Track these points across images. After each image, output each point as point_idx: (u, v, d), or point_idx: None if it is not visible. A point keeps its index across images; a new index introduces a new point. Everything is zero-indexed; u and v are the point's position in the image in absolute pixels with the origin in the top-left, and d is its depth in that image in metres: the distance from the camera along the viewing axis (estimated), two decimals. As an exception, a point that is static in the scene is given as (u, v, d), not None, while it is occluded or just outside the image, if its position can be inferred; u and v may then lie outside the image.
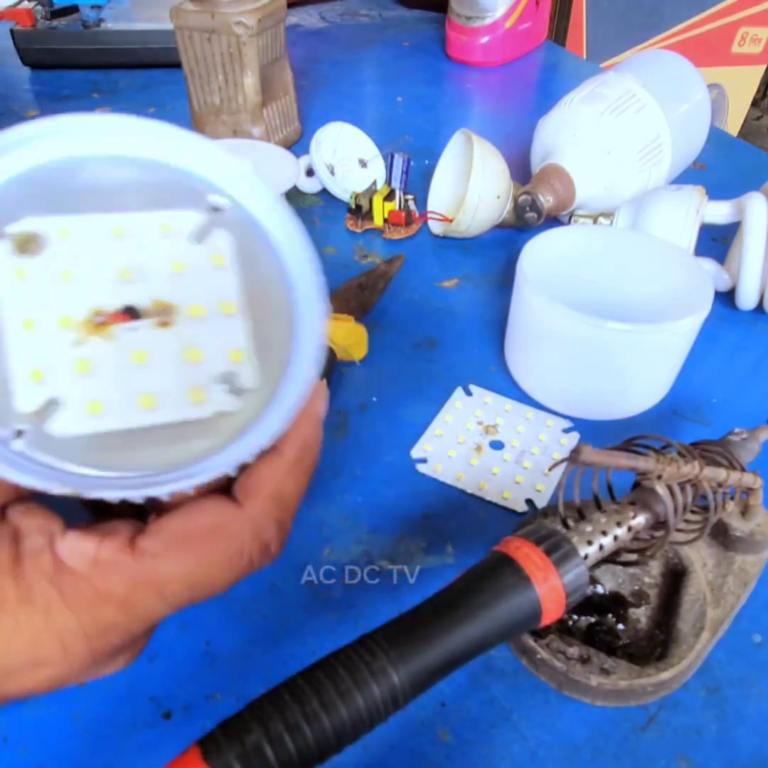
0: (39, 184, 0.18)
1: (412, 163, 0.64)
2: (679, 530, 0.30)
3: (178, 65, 0.71)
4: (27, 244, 0.18)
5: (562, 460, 0.29)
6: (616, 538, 0.27)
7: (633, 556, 0.30)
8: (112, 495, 0.18)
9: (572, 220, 0.60)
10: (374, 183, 0.66)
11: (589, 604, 0.34)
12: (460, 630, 0.23)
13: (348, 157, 0.70)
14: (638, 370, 0.44)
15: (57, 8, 0.95)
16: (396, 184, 0.64)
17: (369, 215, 0.65)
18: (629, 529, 0.28)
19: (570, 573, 0.25)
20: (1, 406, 0.17)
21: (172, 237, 0.19)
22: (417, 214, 0.65)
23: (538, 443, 0.44)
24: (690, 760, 0.30)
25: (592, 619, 0.34)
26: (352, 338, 0.48)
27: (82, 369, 0.18)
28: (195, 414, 0.19)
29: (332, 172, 0.68)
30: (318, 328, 0.19)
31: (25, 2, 0.96)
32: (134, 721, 0.31)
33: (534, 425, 0.46)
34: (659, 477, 0.28)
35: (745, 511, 0.36)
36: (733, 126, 1.80)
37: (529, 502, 0.41)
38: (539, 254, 0.46)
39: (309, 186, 0.70)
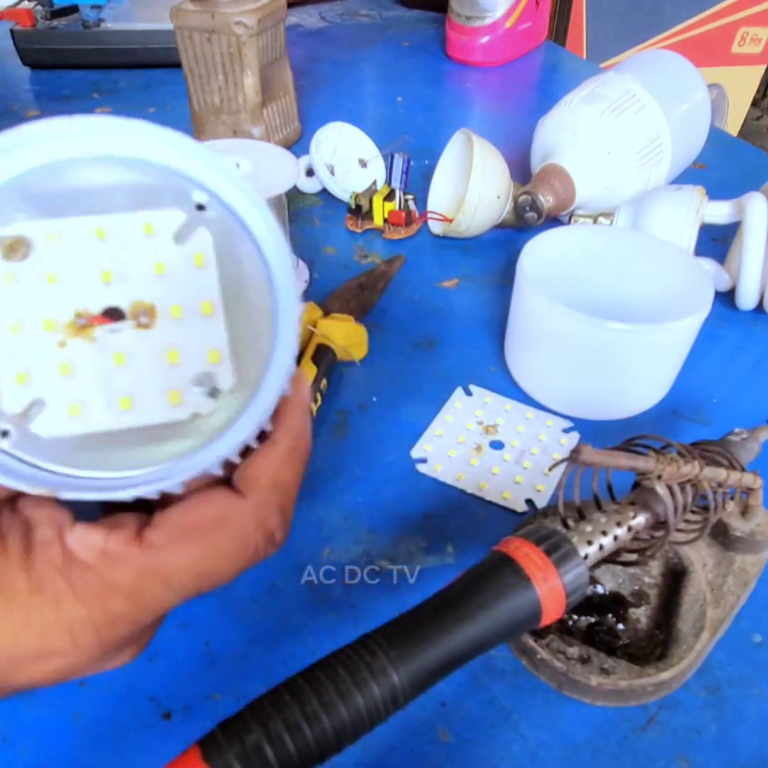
0: (27, 188, 0.18)
1: (412, 163, 0.64)
2: (679, 530, 0.30)
3: (178, 65, 0.71)
4: (16, 249, 0.18)
5: (562, 460, 0.29)
6: (616, 538, 0.27)
7: (633, 556, 0.30)
8: (91, 496, 0.18)
9: (572, 220, 0.60)
10: (374, 183, 0.66)
11: (589, 604, 0.34)
12: (460, 630, 0.23)
13: (348, 157, 0.70)
14: (638, 370, 0.44)
15: (57, 8, 0.95)
16: (396, 184, 0.64)
17: (369, 215, 0.65)
18: (629, 529, 0.28)
19: (570, 573, 0.25)
20: None
21: (155, 237, 0.19)
22: (417, 214, 0.65)
23: (538, 443, 0.44)
24: (690, 760, 0.30)
25: (592, 619, 0.34)
26: (351, 338, 0.48)
27: (64, 371, 0.18)
28: (172, 416, 0.19)
29: (332, 172, 0.68)
30: (295, 321, 0.19)
31: (25, 2, 0.96)
32: (134, 721, 0.31)
33: (534, 425, 0.46)
34: (659, 477, 0.28)
35: (745, 511, 0.36)
36: (733, 126, 1.80)
37: (529, 502, 0.41)
38: (539, 254, 0.46)
39: (309, 186, 0.70)
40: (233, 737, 0.20)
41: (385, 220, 0.64)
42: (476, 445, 0.44)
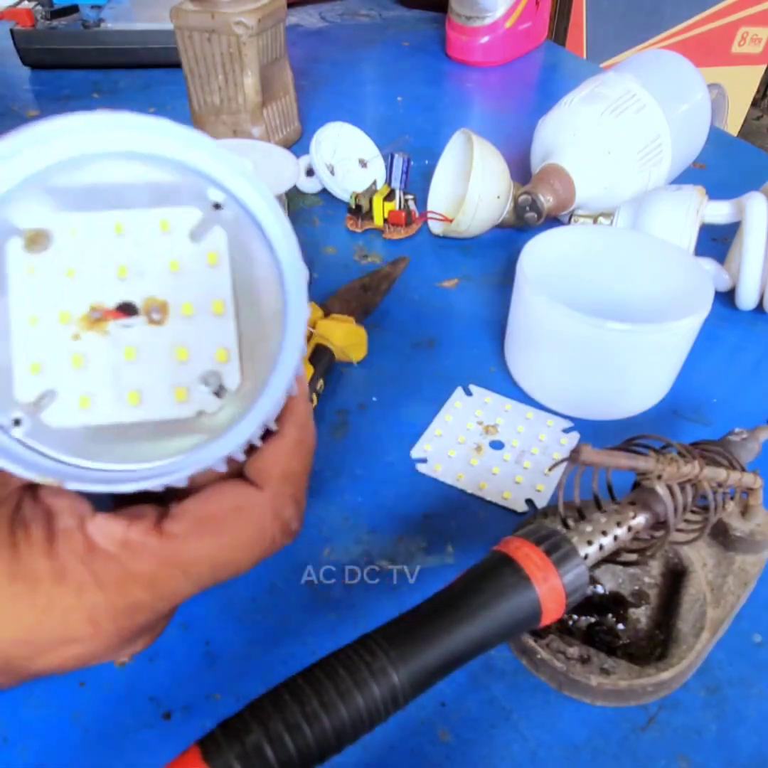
0: (50, 182, 0.18)
1: (412, 163, 0.64)
2: (679, 530, 0.30)
3: (178, 65, 0.71)
4: (37, 241, 0.18)
5: (562, 460, 0.29)
6: (616, 538, 0.27)
7: (633, 556, 0.30)
8: (96, 488, 0.18)
9: (572, 220, 0.60)
10: (374, 183, 0.66)
11: (589, 604, 0.34)
12: (460, 630, 0.23)
13: (348, 157, 0.70)
14: (638, 370, 0.44)
15: (57, 8, 0.95)
16: (396, 184, 0.64)
17: (369, 215, 0.65)
18: (629, 529, 0.28)
19: (570, 573, 0.25)
20: (3, 394, 0.18)
21: (171, 234, 0.19)
22: (417, 214, 0.65)
23: (538, 443, 0.44)
24: (690, 760, 0.30)
25: (592, 619, 0.34)
26: (350, 339, 0.48)
27: (77, 363, 0.18)
28: (179, 413, 0.19)
29: (332, 172, 0.68)
30: (304, 322, 0.19)
31: (25, 2, 0.96)
32: (134, 721, 0.31)
33: (534, 425, 0.46)
34: (659, 477, 0.28)
35: (745, 511, 0.36)
36: (733, 126, 1.80)
37: (529, 502, 0.41)
38: (539, 254, 0.46)
39: (309, 186, 0.70)
40: (233, 737, 0.20)
41: (385, 220, 0.64)
42: (476, 445, 0.44)
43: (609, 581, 0.35)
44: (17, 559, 0.18)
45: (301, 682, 0.21)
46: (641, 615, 0.34)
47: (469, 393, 0.48)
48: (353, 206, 0.65)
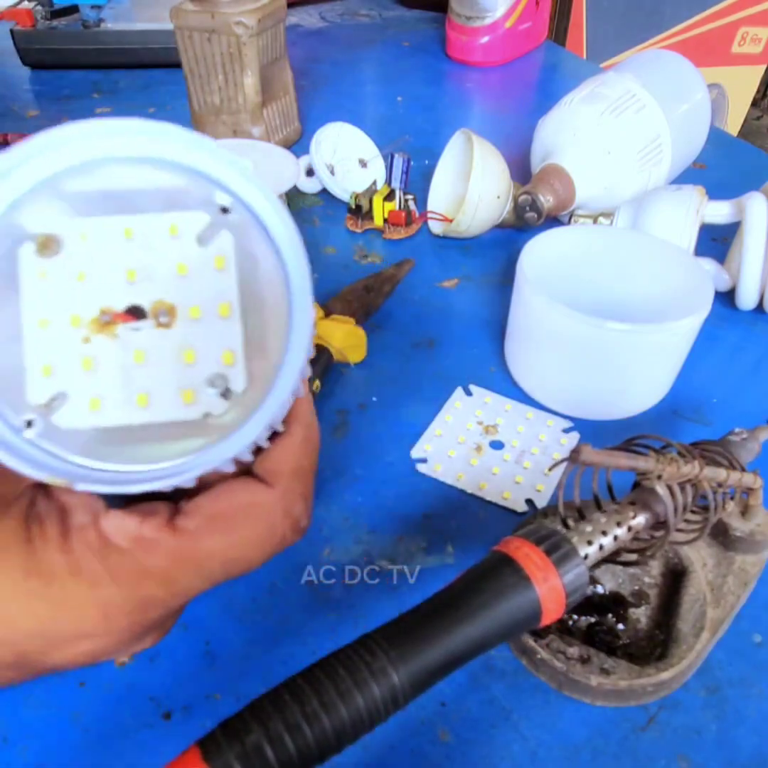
0: (60, 187, 0.19)
1: (412, 163, 0.64)
2: (679, 530, 0.30)
3: (178, 65, 0.71)
4: (48, 246, 0.19)
5: (562, 460, 0.29)
6: (616, 538, 0.27)
7: (633, 556, 0.30)
8: (105, 489, 0.18)
9: (572, 220, 0.60)
10: (374, 183, 0.66)
11: (589, 604, 0.34)
12: (460, 630, 0.23)
13: (348, 157, 0.70)
14: (638, 370, 0.44)
15: (57, 8, 0.95)
16: (396, 184, 0.64)
17: (369, 215, 0.65)
18: (629, 529, 0.28)
19: (570, 573, 0.25)
20: (15, 396, 0.18)
21: (179, 239, 0.19)
22: (417, 214, 0.65)
23: (538, 443, 0.44)
24: (690, 760, 0.30)
25: (592, 619, 0.34)
26: (349, 340, 0.48)
27: (87, 366, 0.19)
28: (186, 414, 0.19)
29: (332, 172, 0.68)
30: (309, 325, 0.20)
31: (25, 2, 0.96)
32: (134, 721, 0.31)
33: (534, 425, 0.46)
34: (659, 477, 0.28)
35: (745, 511, 0.36)
36: (733, 126, 1.80)
37: (529, 502, 0.41)
38: (539, 254, 0.46)
39: (309, 186, 0.70)
40: (233, 737, 0.20)
41: (385, 220, 0.64)
42: (476, 445, 0.44)
43: (609, 581, 0.35)
44: (33, 555, 0.18)
45: (301, 682, 0.21)
46: (641, 615, 0.34)
47: (469, 393, 0.48)
48: (353, 206, 0.65)
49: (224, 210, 0.19)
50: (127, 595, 0.19)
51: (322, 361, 0.47)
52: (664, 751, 0.30)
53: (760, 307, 0.55)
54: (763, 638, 0.34)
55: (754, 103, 2.10)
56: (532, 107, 0.95)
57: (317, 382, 0.46)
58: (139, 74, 0.98)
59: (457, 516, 0.40)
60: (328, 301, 0.53)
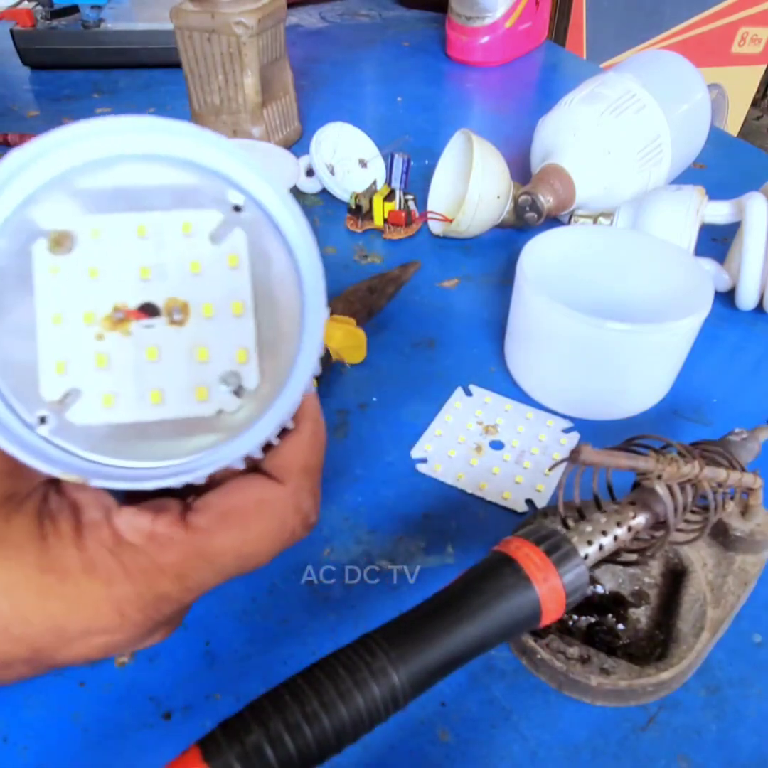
0: (74, 184, 0.19)
1: (412, 163, 0.64)
2: (679, 530, 0.30)
3: (178, 65, 0.71)
4: (61, 243, 0.19)
5: (562, 460, 0.29)
6: (616, 538, 0.27)
7: (633, 556, 0.30)
8: (119, 485, 0.18)
9: (572, 220, 0.60)
10: (374, 183, 0.66)
11: (589, 604, 0.34)
12: (460, 630, 0.23)
13: (348, 157, 0.70)
14: (638, 370, 0.44)
15: (57, 8, 0.95)
16: (396, 184, 0.64)
17: (369, 215, 0.65)
18: (629, 529, 0.28)
19: (570, 573, 0.25)
20: (29, 393, 0.18)
21: (193, 237, 0.19)
22: (417, 214, 0.65)
23: (538, 443, 0.44)
24: (690, 760, 0.30)
25: (592, 619, 0.34)
26: (348, 341, 0.48)
27: (100, 363, 0.19)
28: (199, 411, 0.19)
29: (332, 172, 0.68)
30: (321, 323, 0.20)
31: (25, 2, 0.96)
32: (134, 721, 0.31)
33: (534, 425, 0.46)
34: (659, 477, 0.28)
35: (745, 511, 0.36)
36: (733, 126, 1.80)
37: (529, 502, 0.41)
38: (539, 254, 0.46)
39: (309, 186, 0.70)
40: (233, 737, 0.20)
41: (385, 220, 0.64)
42: (476, 445, 0.44)
43: (609, 581, 0.35)
44: (47, 551, 0.18)
45: (301, 682, 0.21)
46: (641, 615, 0.34)
47: (469, 393, 0.48)
48: (353, 206, 0.65)
49: (237, 208, 0.19)
50: (141, 592, 0.19)
51: (324, 361, 0.47)
52: (664, 751, 0.30)
53: (760, 307, 0.55)
54: (763, 638, 0.34)
55: (754, 103, 2.10)
56: (532, 107, 0.95)
57: (315, 381, 0.46)
58: (139, 74, 0.98)
59: (457, 516, 0.40)
60: (330, 301, 0.53)
